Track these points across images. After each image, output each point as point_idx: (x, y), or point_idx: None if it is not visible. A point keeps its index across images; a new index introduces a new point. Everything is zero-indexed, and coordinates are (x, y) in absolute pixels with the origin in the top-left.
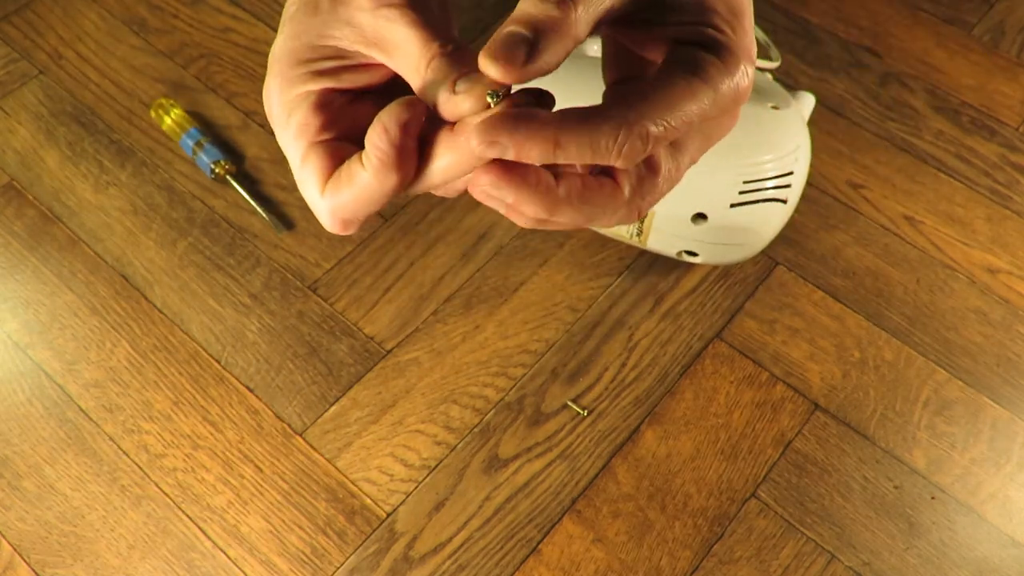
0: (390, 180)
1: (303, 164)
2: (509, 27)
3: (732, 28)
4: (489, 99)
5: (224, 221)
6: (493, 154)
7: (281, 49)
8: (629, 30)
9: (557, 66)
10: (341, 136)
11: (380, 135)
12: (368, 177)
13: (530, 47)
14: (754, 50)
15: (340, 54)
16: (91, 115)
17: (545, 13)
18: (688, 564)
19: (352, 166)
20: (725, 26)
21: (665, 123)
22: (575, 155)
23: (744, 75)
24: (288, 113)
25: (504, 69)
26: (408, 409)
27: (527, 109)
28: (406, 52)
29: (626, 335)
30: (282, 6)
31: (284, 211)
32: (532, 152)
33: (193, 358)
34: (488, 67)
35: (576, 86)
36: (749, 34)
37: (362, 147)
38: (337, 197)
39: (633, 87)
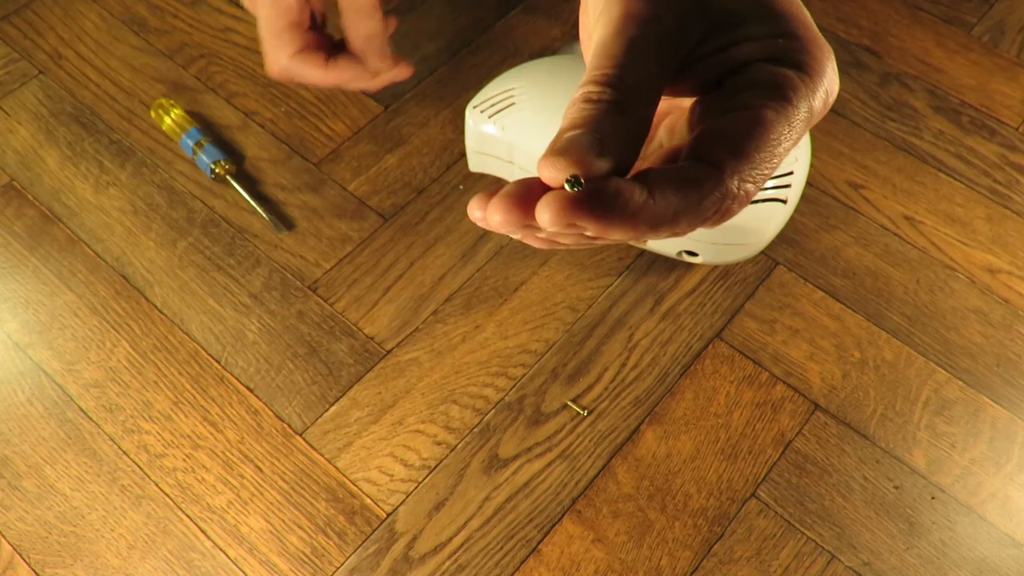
0: (334, 84)
1: (278, 34)
2: (567, 133)
3: (803, 24)
4: (569, 182)
5: (224, 221)
6: (569, 231)
7: None
8: (689, 74)
9: (633, 160)
10: (304, 23)
11: (354, 78)
12: (322, 75)
13: (599, 144)
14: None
15: None
16: (91, 115)
17: (597, 97)
18: (688, 564)
19: (314, 61)
20: (795, 25)
21: (763, 175)
22: (664, 233)
23: (834, 74)
24: None
25: (571, 160)
26: (408, 409)
27: (614, 186)
28: None
29: (626, 335)
30: None
31: (284, 211)
32: (615, 235)
33: (193, 358)
34: (552, 164)
35: (575, 86)
36: (811, 20)
37: (312, 30)
38: (297, 68)
39: (721, 135)
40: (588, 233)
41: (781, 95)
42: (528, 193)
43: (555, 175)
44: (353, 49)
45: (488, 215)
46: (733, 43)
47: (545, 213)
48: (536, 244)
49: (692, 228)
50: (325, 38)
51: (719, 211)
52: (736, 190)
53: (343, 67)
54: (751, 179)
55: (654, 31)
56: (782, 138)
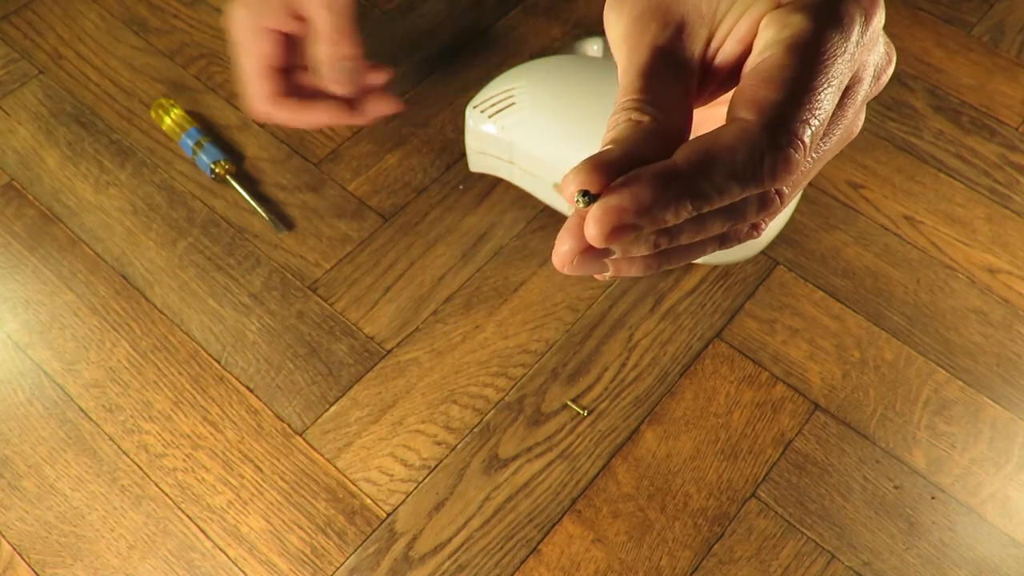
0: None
1: (253, 79)
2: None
3: None
4: (579, 201)
5: (224, 221)
6: (621, 237)
7: None
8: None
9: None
10: (278, 64)
11: (329, 116)
12: (298, 117)
13: (620, 158)
14: None
15: (290, 6)
16: (91, 115)
17: (626, 118)
18: (688, 564)
19: (290, 104)
20: None
21: (809, 109)
22: (722, 196)
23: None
24: (253, 38)
25: (591, 166)
26: (408, 409)
27: (632, 173)
28: (321, 22)
29: (626, 335)
30: None
31: (284, 211)
32: (667, 215)
33: (193, 358)
34: (564, 186)
35: (575, 86)
36: None
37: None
38: (275, 111)
39: (751, 77)
40: (645, 227)
41: (815, 17)
42: (582, 220)
43: (569, 195)
44: (327, 80)
45: (557, 254)
46: (731, 29)
47: (591, 228)
48: (637, 270)
49: (747, 191)
50: (309, 85)
51: (775, 163)
52: (777, 137)
53: (319, 107)
54: (797, 116)
55: (667, 49)
56: (831, 59)
